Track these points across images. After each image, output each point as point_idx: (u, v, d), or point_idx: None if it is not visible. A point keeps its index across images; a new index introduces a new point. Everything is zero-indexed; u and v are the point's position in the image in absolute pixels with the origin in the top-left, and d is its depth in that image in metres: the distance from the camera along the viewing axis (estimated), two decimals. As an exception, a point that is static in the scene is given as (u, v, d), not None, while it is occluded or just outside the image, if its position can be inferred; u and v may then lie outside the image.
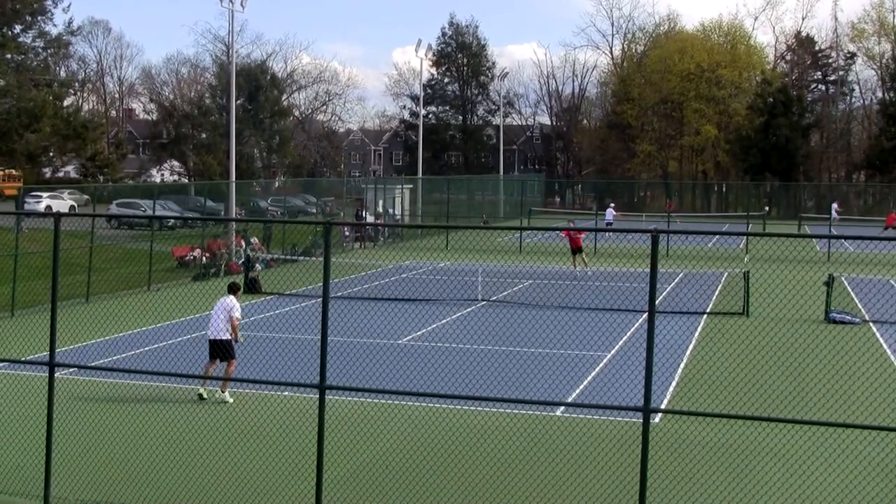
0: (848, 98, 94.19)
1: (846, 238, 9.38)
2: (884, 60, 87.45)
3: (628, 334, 21.75)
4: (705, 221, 68.58)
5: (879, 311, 23.96)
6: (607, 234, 48.38)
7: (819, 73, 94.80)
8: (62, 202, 52.19)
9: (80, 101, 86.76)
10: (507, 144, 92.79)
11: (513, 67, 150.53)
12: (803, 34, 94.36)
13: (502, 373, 17.22)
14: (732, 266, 34.69)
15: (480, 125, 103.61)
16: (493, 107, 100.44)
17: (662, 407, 14.87)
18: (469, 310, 25.43)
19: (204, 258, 34.05)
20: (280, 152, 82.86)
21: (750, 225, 56.36)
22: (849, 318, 24.25)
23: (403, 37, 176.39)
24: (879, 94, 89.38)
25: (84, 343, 19.53)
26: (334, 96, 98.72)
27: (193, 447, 12.55)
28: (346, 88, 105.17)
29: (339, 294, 27.30)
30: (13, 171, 60.39)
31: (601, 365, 18.47)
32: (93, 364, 15.89)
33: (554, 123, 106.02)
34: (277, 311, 24.90)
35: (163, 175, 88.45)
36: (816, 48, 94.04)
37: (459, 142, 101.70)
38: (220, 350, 15.25)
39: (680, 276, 32.69)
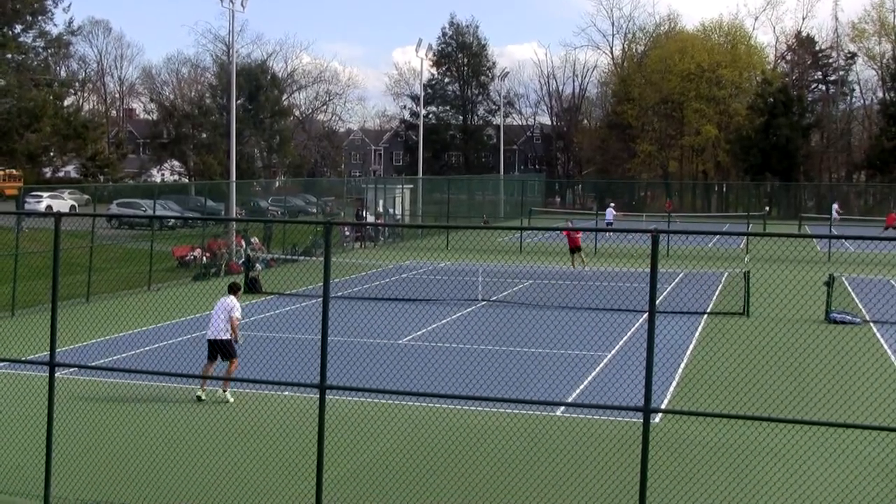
0: (848, 98, 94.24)
1: (846, 238, 9.38)
2: (884, 60, 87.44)
3: (629, 334, 21.75)
4: (705, 221, 68.59)
5: (880, 312, 23.97)
6: (608, 234, 48.36)
7: (819, 73, 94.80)
8: (62, 202, 52.22)
9: (81, 100, 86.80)
10: (507, 144, 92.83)
11: (513, 67, 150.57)
12: (804, 34, 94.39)
13: (502, 373, 17.22)
14: (733, 266, 34.69)
15: (481, 125, 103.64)
16: (494, 107, 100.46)
17: (663, 407, 14.87)
18: (469, 310, 25.43)
19: (204, 258, 34.06)
20: (280, 152, 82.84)
21: (750, 225, 56.36)
22: (849, 318, 24.25)
23: (403, 37, 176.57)
24: (880, 94, 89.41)
25: (84, 343, 19.54)
26: (334, 96, 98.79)
27: (193, 447, 12.55)
28: (347, 88, 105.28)
29: (340, 294, 27.30)
30: (13, 171, 60.40)
31: (601, 365, 18.47)
32: (93, 364, 15.90)
33: (554, 123, 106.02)
34: (278, 311, 24.91)
35: (163, 175, 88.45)
36: (817, 48, 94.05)
37: (460, 142, 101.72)
38: (221, 350, 15.24)
39: (680, 276, 32.69)
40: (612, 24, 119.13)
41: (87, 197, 56.30)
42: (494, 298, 27.28)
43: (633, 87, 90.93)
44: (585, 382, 16.96)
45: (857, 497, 10.82)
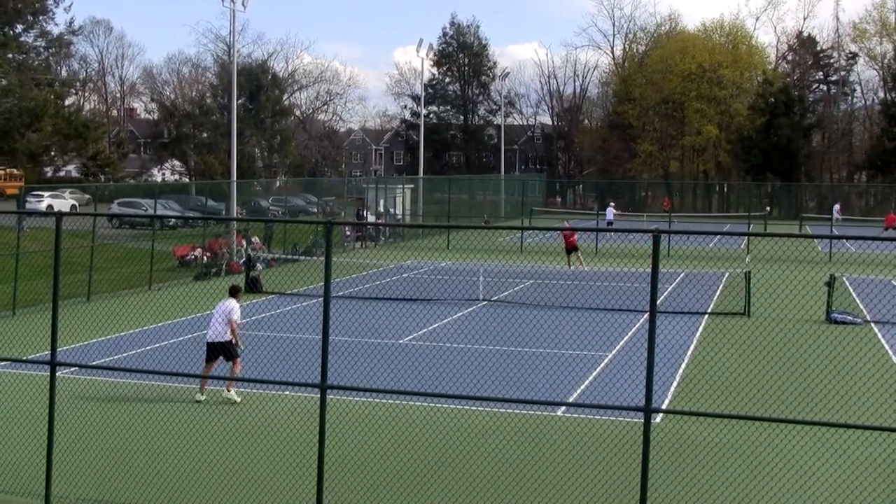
0: (849, 98, 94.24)
1: (847, 238, 9.39)
2: (885, 61, 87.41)
3: (629, 334, 21.75)
4: (706, 221, 68.57)
5: (881, 312, 23.96)
6: (609, 233, 48.35)
7: (821, 73, 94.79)
8: (63, 201, 52.22)
9: (82, 100, 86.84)
10: (508, 144, 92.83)
11: (514, 67, 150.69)
12: (805, 34, 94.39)
13: (503, 373, 17.23)
14: (734, 266, 34.69)
15: (481, 125, 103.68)
16: (495, 107, 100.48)
17: (663, 407, 14.87)
18: (470, 310, 25.43)
19: (205, 258, 34.06)
20: (281, 152, 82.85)
21: (751, 225, 56.35)
22: (850, 318, 24.24)
23: (404, 37, 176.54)
24: (881, 95, 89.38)
25: (85, 342, 19.55)
26: (335, 96, 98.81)
27: (194, 446, 12.55)
28: (347, 88, 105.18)
29: (341, 294, 27.31)
30: (14, 171, 60.42)
31: (602, 365, 18.47)
32: (94, 363, 15.90)
33: (555, 123, 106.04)
34: (278, 311, 24.91)
35: (164, 174, 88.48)
36: (818, 48, 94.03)
37: (460, 141, 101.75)
38: (222, 352, 15.21)
39: (681, 276, 32.69)
40: (613, 24, 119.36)
41: (87, 196, 56.30)
42: (495, 298, 27.28)
43: (633, 87, 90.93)
44: (586, 382, 16.96)
45: (858, 497, 10.83)
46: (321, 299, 9.51)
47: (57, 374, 10.42)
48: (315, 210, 54.84)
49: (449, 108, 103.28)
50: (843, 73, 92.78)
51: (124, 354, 18.66)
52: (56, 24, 57.79)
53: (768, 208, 75.14)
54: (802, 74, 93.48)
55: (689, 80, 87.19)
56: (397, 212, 52.58)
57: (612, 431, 13.64)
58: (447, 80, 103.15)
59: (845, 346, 19.94)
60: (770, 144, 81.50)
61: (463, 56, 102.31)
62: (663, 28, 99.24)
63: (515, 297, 27.85)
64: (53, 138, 55.04)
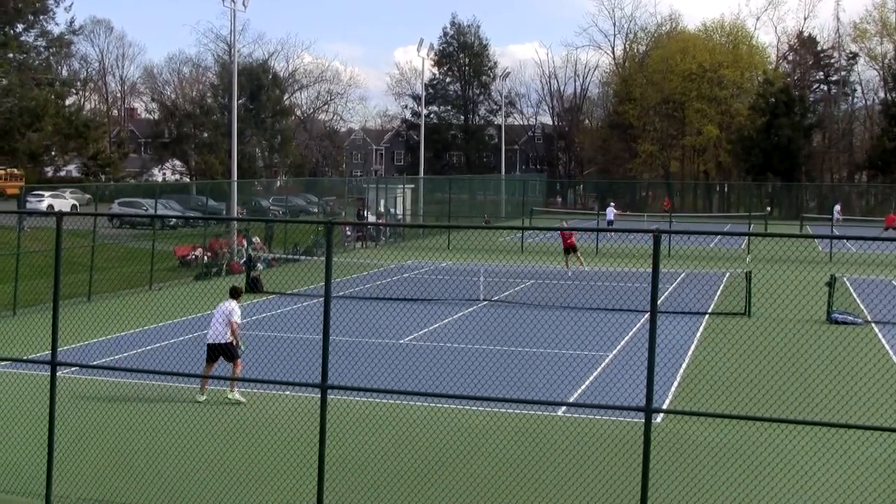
0: (850, 98, 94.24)
1: (848, 238, 9.39)
2: (886, 61, 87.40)
3: (630, 334, 21.74)
4: (707, 222, 68.57)
5: (881, 312, 23.96)
6: (609, 233, 48.33)
7: (821, 73, 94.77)
8: (64, 201, 52.22)
9: (82, 100, 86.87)
10: (508, 144, 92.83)
11: (514, 67, 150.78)
12: (805, 34, 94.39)
13: (504, 373, 17.23)
14: (734, 266, 34.68)
15: (482, 125, 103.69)
16: (495, 107, 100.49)
17: (664, 407, 14.87)
18: (471, 310, 25.43)
19: (206, 257, 34.06)
20: (282, 152, 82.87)
21: (752, 225, 56.35)
22: (851, 318, 24.24)
23: (405, 36, 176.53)
24: (881, 95, 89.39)
25: (86, 342, 19.54)
26: (336, 96, 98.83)
27: (195, 446, 12.55)
28: (348, 88, 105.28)
29: (341, 294, 27.31)
30: (15, 170, 60.44)
31: (603, 365, 18.47)
32: (95, 363, 15.90)
33: (556, 123, 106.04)
34: (279, 311, 24.91)
35: (164, 174, 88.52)
36: (818, 48, 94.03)
37: (461, 141, 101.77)
38: (223, 353, 15.20)
39: (682, 276, 32.68)
40: (614, 24, 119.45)
41: (88, 196, 56.30)
42: (496, 298, 27.28)
43: (634, 87, 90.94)
44: (587, 382, 16.95)
45: (859, 497, 10.82)
46: (322, 299, 9.51)
47: (57, 373, 10.42)
48: (316, 210, 54.85)
49: (449, 108, 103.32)
50: (843, 73, 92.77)
51: (125, 354, 18.66)
52: (56, 24, 57.82)
53: (769, 208, 75.13)
54: (803, 74, 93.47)
55: (689, 80, 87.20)
56: (398, 212, 52.57)
57: (612, 431, 13.64)
58: (448, 80, 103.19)
59: (846, 346, 19.94)
60: (770, 144, 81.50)
61: (463, 56, 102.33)
62: (664, 28, 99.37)
63: (516, 298, 27.84)
64: (54, 138, 55.08)
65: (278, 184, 71.60)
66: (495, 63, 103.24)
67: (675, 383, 16.98)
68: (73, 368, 16.51)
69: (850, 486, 11.20)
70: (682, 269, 34.01)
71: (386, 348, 19.72)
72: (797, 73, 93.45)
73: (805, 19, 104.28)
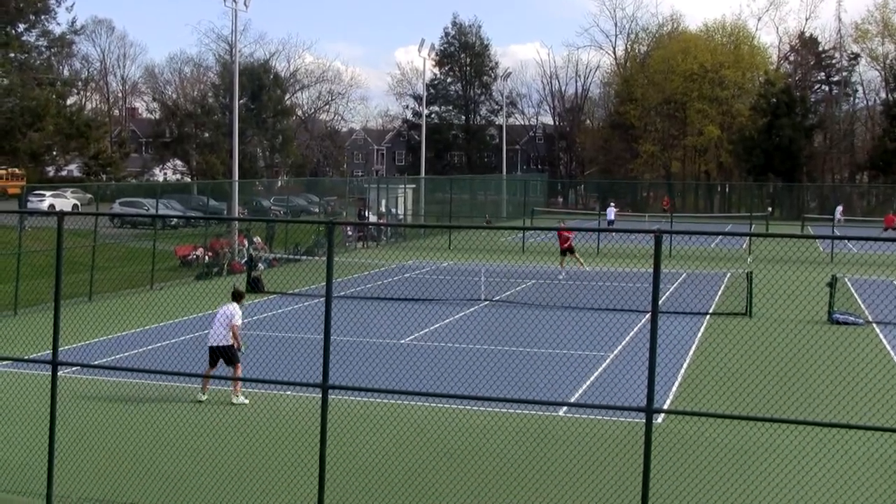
0: (851, 99, 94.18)
1: (849, 239, 9.39)
2: (887, 61, 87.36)
3: (631, 334, 21.74)
4: (708, 222, 68.54)
5: (882, 312, 23.93)
6: (610, 234, 48.33)
7: (822, 73, 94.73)
8: (65, 201, 52.25)
9: (84, 100, 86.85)
10: (509, 144, 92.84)
11: (516, 67, 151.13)
12: (807, 35, 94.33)
13: (505, 373, 17.22)
14: (735, 267, 34.67)
15: (483, 125, 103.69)
16: (496, 107, 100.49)
17: (665, 407, 14.86)
18: (472, 310, 25.42)
19: (207, 257, 34.07)
20: (283, 152, 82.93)
21: (753, 225, 56.31)
22: (852, 318, 24.23)
23: (406, 36, 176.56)
24: (883, 95, 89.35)
25: (87, 342, 19.55)
26: (337, 96, 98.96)
27: (196, 446, 12.56)
28: (349, 88, 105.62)
29: (342, 293, 27.31)
30: (16, 170, 60.48)
31: (604, 365, 18.46)
32: (96, 363, 15.90)
33: (557, 123, 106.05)
34: (280, 311, 24.91)
35: (165, 174, 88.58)
36: (820, 49, 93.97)
37: (462, 141, 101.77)
38: (223, 356, 15.20)
39: (683, 276, 32.67)
40: (615, 25, 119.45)
41: (89, 196, 56.34)
42: (497, 298, 27.27)
43: (635, 87, 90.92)
44: (588, 382, 16.95)
45: (860, 497, 10.82)
46: (323, 299, 9.51)
47: (58, 373, 10.42)
48: (317, 210, 54.86)
49: (451, 108, 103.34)
50: (844, 73, 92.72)
51: (126, 354, 18.67)
52: (58, 24, 57.81)
53: (770, 209, 75.08)
54: (804, 75, 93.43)
55: (690, 80, 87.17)
56: (399, 212, 52.57)
57: (613, 432, 13.63)
58: (449, 80, 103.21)
59: (847, 346, 19.93)
60: (772, 145, 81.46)
61: (465, 56, 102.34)
62: (665, 28, 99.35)
63: (517, 298, 27.84)
64: (55, 138, 55.11)
65: (279, 184, 71.65)
66: (496, 63, 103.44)
67: (677, 383, 16.98)
68: (74, 368, 16.52)
69: (852, 486, 11.20)
70: (683, 270, 34.00)
71: (387, 348, 19.72)
72: (798, 74, 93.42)
73: (806, 20, 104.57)
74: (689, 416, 13.87)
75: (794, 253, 38.06)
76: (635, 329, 22.40)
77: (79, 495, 10.64)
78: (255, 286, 28.19)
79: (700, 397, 15.34)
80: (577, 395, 16.02)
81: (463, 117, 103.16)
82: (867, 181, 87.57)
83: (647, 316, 21.70)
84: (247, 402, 15.20)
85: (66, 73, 70.94)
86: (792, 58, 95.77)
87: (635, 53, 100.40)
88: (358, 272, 33.05)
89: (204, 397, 15.23)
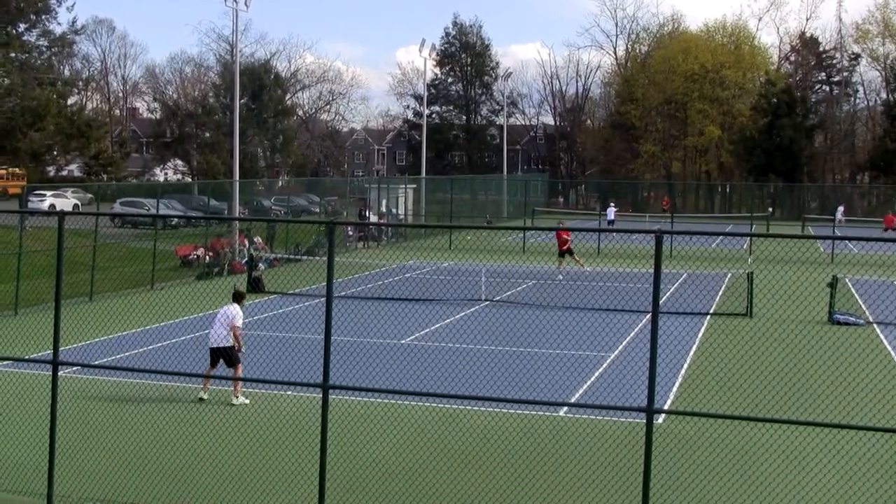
0: (852, 99, 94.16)
1: (850, 239, 9.39)
2: (888, 61, 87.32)
3: (632, 335, 21.73)
4: (709, 222, 68.53)
5: (883, 313, 23.92)
6: (611, 234, 48.33)
7: (823, 73, 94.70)
8: (66, 201, 52.28)
9: (84, 99, 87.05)
10: (510, 144, 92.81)
11: (516, 67, 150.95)
12: (807, 35, 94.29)
13: (505, 373, 17.23)
14: (736, 267, 34.67)
15: (484, 125, 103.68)
16: (497, 107, 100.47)
17: (666, 407, 14.86)
18: (472, 310, 25.43)
19: (207, 257, 34.08)
20: (283, 151, 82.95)
21: (753, 226, 56.30)
22: (852, 319, 24.22)
23: (407, 36, 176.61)
24: (884, 96, 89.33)
25: (88, 342, 19.55)
26: (338, 96, 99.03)
27: (196, 446, 12.56)
28: (350, 88, 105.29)
29: (343, 294, 27.31)
30: (17, 170, 60.53)
31: (605, 365, 18.46)
32: (96, 363, 15.91)
33: (557, 123, 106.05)
34: (281, 311, 24.92)
35: (166, 174, 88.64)
36: (821, 49, 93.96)
37: (463, 142, 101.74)
38: (224, 357, 15.21)
39: (683, 276, 32.66)
40: (616, 25, 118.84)
41: (90, 196, 56.36)
42: (497, 298, 27.27)
43: (636, 87, 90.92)
44: (588, 383, 16.95)
45: (861, 498, 10.82)
46: (323, 299, 9.51)
47: (59, 373, 10.42)
48: (317, 210, 54.87)
49: (451, 108, 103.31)
50: (845, 73, 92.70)
51: (126, 354, 18.67)
52: (59, 24, 57.90)
53: (771, 209, 75.04)
54: (805, 75, 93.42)
55: (691, 80, 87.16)
56: (399, 212, 52.57)
57: (614, 432, 13.64)
58: (450, 80, 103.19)
59: (847, 346, 19.92)
60: (772, 145, 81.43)
61: (465, 56, 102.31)
62: (666, 28, 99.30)
63: (517, 298, 27.84)
64: (56, 138, 55.17)
65: (280, 184, 71.68)
66: (497, 63, 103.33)
67: (677, 384, 16.98)
68: (74, 368, 16.53)
69: (852, 486, 11.20)
70: (683, 270, 34.00)
71: (387, 348, 19.72)
72: (799, 74, 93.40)
73: (807, 20, 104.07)
74: (689, 417, 13.87)
75: (795, 253, 38.05)
76: (636, 329, 22.40)
77: (80, 495, 10.64)
78: (255, 286, 28.20)
79: (701, 397, 15.34)
80: (577, 396, 16.03)
81: (464, 117, 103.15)
82: (868, 181, 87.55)
83: (648, 316, 21.68)
84: (247, 402, 15.21)
85: (66, 73, 71.07)
86: (793, 58, 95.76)
87: (636, 53, 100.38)
88: (359, 272, 33.05)
89: (205, 396, 15.25)
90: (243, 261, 33.15)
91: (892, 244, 41.28)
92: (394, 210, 51.70)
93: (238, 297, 15.62)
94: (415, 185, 57.94)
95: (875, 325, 23.73)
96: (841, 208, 64.20)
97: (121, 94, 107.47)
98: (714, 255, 42.41)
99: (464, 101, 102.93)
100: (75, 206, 52.79)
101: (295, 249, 38.58)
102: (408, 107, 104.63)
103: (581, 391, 16.34)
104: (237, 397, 15.25)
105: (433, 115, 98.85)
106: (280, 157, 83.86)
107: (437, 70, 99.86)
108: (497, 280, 30.50)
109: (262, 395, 15.60)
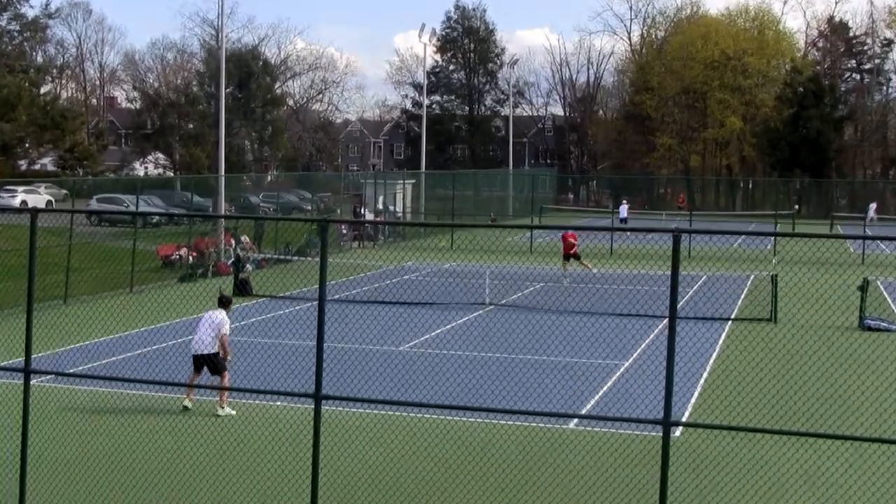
0: (884, 88, 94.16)
1: (882, 239, 9.40)
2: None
3: (647, 341, 21.76)
4: (730, 220, 68.53)
5: (918, 318, 23.96)
6: (625, 233, 48.33)
7: (853, 61, 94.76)
8: (38, 197, 52.41)
9: (59, 88, 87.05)
10: (516, 137, 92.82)
11: (523, 54, 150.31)
12: (836, 19, 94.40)
13: (511, 382, 17.24)
14: (759, 268, 34.67)
15: (488, 116, 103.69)
16: (502, 96, 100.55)
17: (683, 420, 14.88)
18: (475, 314, 25.45)
19: (191, 258, 34.12)
20: (273, 144, 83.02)
21: (778, 224, 56.30)
22: (885, 324, 24.25)
23: (406, 21, 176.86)
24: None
25: (62, 348, 19.58)
26: (331, 84, 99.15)
27: (180, 460, 12.57)
28: (344, 76, 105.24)
29: (337, 297, 27.33)
30: (-14, 164, 60.61)
31: (618, 374, 18.48)
32: (71, 371, 15.91)
33: (567, 114, 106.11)
34: (270, 315, 24.95)
35: (146, 168, 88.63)
36: (851, 34, 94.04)
37: (466, 134, 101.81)
38: (208, 364, 15.22)
39: (703, 279, 32.67)
40: (630, 8, 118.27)
41: (64, 191, 56.46)
42: (502, 302, 27.30)
43: (652, 75, 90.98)
44: (600, 393, 16.97)
45: (893, 518, 10.82)
46: (315, 303, 9.52)
47: (31, 382, 10.44)
48: (309, 207, 54.93)
49: (453, 97, 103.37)
50: (877, 60, 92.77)
51: (104, 361, 18.70)
52: (31, 7, 58.29)
53: (797, 206, 75.03)
54: (834, 62, 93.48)
55: (711, 68, 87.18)
56: (397, 209, 52.63)
57: (627, 446, 13.64)
58: (451, 67, 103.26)
59: (880, 354, 19.94)
60: (798, 138, 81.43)
61: (468, 42, 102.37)
62: (684, 12, 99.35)
63: (524, 302, 27.86)
64: (28, 129, 55.21)
65: (269, 179, 71.79)
66: (502, 49, 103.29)
67: (696, 394, 17.00)
68: (48, 377, 16.53)
69: (884, 505, 11.19)
70: (703, 272, 34.00)
71: (384, 356, 19.74)
72: (827, 61, 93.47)
73: (836, 3, 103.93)
74: (709, 430, 13.89)
75: (823, 254, 37.91)
76: (651, 336, 22.42)
77: (53, 513, 10.65)
78: (242, 289, 28.24)
79: (721, 409, 15.34)
80: (588, 407, 16.04)
81: (466, 108, 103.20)
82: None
83: (664, 321, 21.69)
84: (234, 413, 15.23)
85: (39, 59, 71.16)
86: (820, 44, 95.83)
87: (652, 39, 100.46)
88: (353, 274, 33.09)
89: (189, 404, 15.28)
90: (229, 262, 33.19)
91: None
92: (391, 207, 51.75)
93: (224, 303, 15.60)
94: (414, 181, 58.00)
95: (909, 332, 23.73)
96: (873, 206, 64.18)
97: (98, 83, 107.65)
98: (736, 255, 42.40)
99: (466, 91, 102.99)
100: (49, 202, 52.91)
101: (285, 249, 38.63)
102: (406, 96, 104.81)
103: (592, 402, 16.36)
104: (223, 408, 15.26)
105: (433, 106, 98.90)
106: (269, 151, 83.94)
107: (437, 57, 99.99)
108: (502, 283, 30.50)
109: (249, 405, 15.62)
